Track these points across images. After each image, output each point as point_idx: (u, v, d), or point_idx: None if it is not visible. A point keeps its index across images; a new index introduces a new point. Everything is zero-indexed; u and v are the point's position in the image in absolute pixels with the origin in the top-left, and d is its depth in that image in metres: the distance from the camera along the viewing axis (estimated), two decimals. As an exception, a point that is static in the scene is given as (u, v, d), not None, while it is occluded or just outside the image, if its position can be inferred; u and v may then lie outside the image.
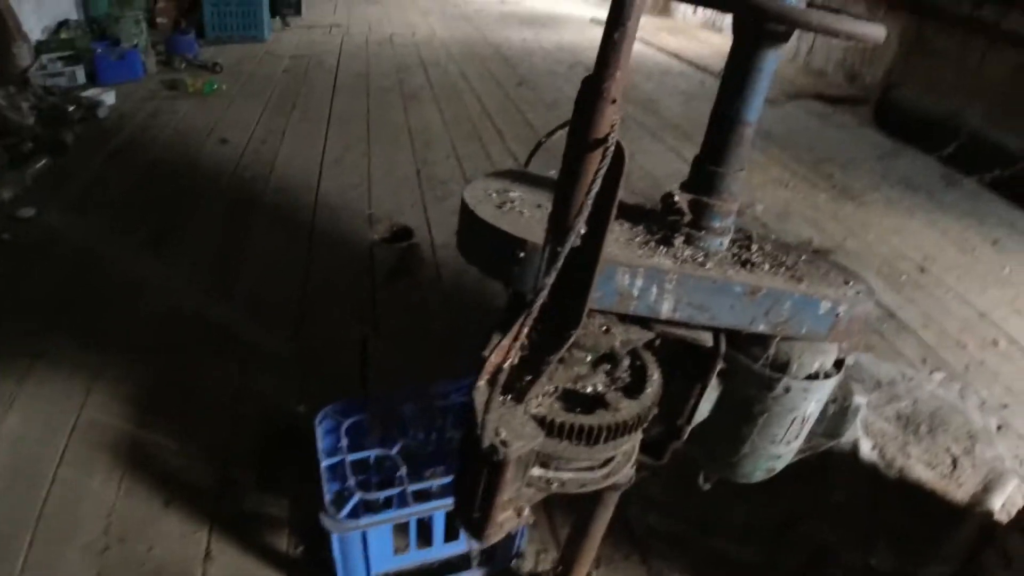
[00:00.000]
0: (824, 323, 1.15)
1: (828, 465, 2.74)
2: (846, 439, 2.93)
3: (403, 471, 1.80)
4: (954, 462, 2.90)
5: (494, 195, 1.23)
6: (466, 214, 1.18)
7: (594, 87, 0.82)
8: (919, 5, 6.60)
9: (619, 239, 1.13)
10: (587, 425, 1.01)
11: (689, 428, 1.30)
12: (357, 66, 7.12)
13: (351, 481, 1.78)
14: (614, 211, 0.86)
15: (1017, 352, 3.61)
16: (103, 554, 2.14)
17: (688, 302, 1.08)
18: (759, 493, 2.53)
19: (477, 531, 0.99)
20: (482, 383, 0.99)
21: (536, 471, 1.04)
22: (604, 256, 1.04)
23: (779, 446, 1.33)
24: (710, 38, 9.99)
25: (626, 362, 1.15)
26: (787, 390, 1.21)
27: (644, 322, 1.14)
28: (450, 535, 1.90)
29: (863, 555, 2.40)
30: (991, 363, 3.48)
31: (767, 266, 1.16)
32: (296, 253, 3.66)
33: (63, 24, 6.77)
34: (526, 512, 1.15)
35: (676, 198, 1.13)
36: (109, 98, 5.49)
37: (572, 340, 0.95)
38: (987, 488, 2.80)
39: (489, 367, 0.99)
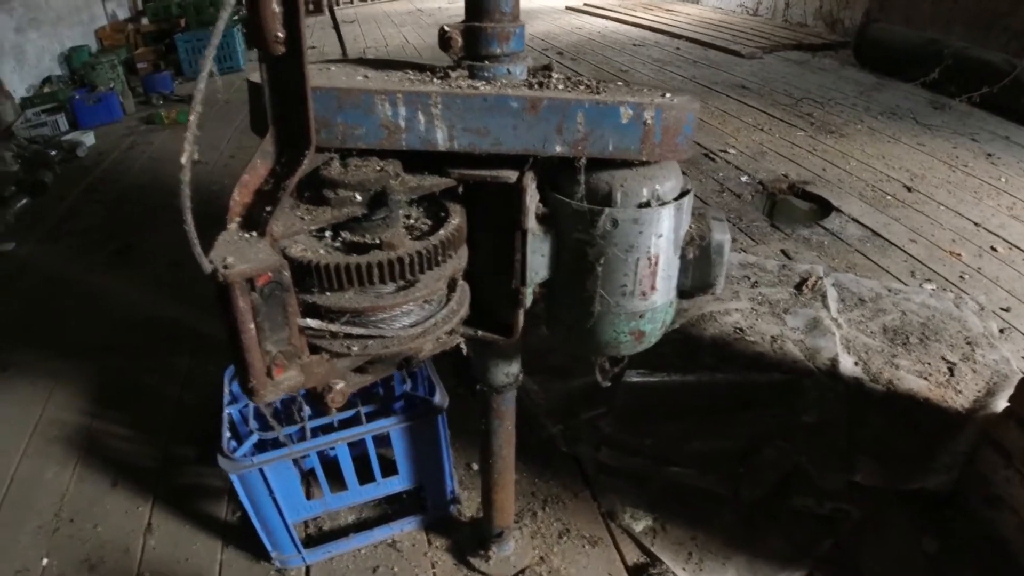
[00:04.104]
0: (632, 135, 1.04)
1: (798, 387, 2.61)
2: (823, 357, 2.80)
3: (306, 411, 1.74)
4: (951, 369, 2.74)
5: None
6: (248, 88, 1.14)
7: None
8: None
9: (391, 79, 1.06)
10: (353, 264, 0.94)
11: (528, 291, 1.21)
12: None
13: (252, 425, 1.73)
14: (300, 5, 0.81)
15: (1018, 256, 3.42)
16: (53, 534, 2.16)
17: (464, 127, 1.00)
18: (720, 420, 2.42)
19: (245, 387, 0.93)
20: (232, 225, 0.93)
21: (312, 322, 0.97)
22: (358, 87, 0.98)
23: (635, 300, 1.22)
24: (686, 9, 9.88)
25: (422, 211, 1.08)
26: (614, 224, 1.11)
27: (439, 168, 1.07)
28: (365, 477, 1.83)
29: (842, 475, 2.25)
30: (989, 269, 3.31)
31: (561, 87, 1.08)
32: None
33: (47, 80, 7.01)
34: (340, 386, 1.07)
35: (447, 29, 1.06)
36: (88, 139, 5.62)
37: (307, 164, 0.89)
38: (991, 391, 2.63)
39: (235, 207, 0.93)
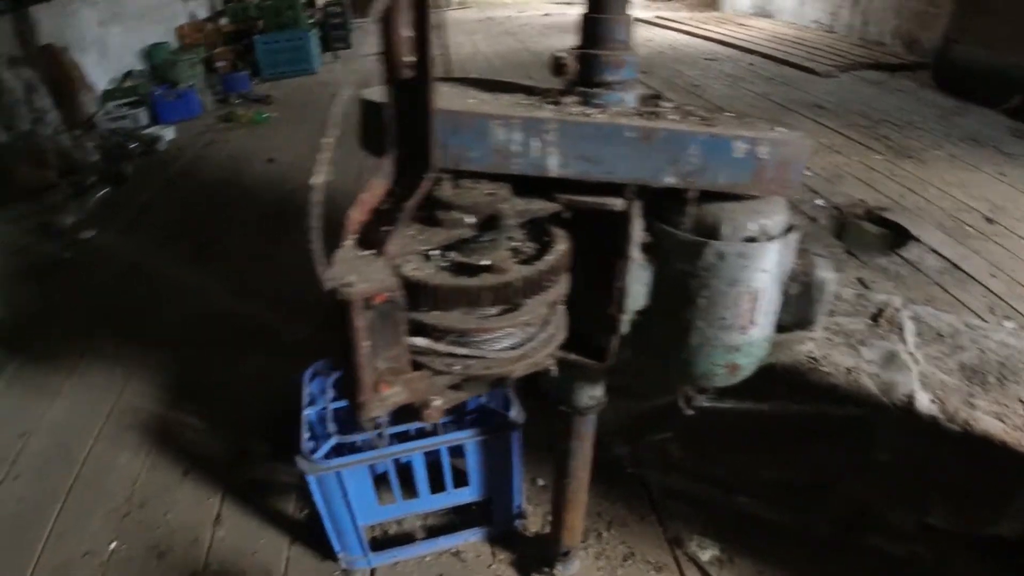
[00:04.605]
0: (745, 169, 1.03)
1: (872, 422, 2.52)
2: (900, 393, 2.70)
3: (384, 417, 1.76)
4: (1030, 412, 2.62)
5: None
6: (363, 106, 1.16)
7: None
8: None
9: (502, 102, 1.07)
10: (463, 286, 0.95)
11: (624, 317, 1.20)
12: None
13: (331, 428, 1.76)
14: (429, 31, 0.82)
15: (1114, 294, 3.25)
16: (123, 519, 2.24)
17: (577, 154, 1.00)
18: (789, 450, 2.36)
19: (354, 401, 0.94)
20: (348, 242, 0.95)
21: (419, 341, 0.98)
22: (473, 110, 0.99)
23: (733, 333, 1.21)
24: (759, 23, 9.71)
25: (525, 234, 1.08)
26: (721, 258, 1.10)
27: (545, 193, 1.08)
28: (435, 485, 1.84)
29: (915, 515, 2.17)
30: (1078, 308, 3.15)
31: (674, 116, 1.07)
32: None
33: (128, 74, 7.27)
34: (437, 403, 1.09)
35: (561, 55, 1.06)
36: (168, 133, 5.83)
37: (427, 186, 0.90)
38: (1075, 438, 2.51)
39: (351, 224, 0.95)
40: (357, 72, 7.83)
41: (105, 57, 7.08)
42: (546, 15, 12.03)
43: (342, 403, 1.86)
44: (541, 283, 1.02)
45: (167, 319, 3.27)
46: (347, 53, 9.34)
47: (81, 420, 2.70)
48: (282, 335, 3.04)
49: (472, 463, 1.81)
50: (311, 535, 2.05)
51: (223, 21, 9.42)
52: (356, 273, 0.88)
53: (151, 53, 7.77)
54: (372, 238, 0.93)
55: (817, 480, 2.26)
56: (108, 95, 6.63)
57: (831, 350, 2.92)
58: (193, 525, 2.19)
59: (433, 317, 0.98)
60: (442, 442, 1.70)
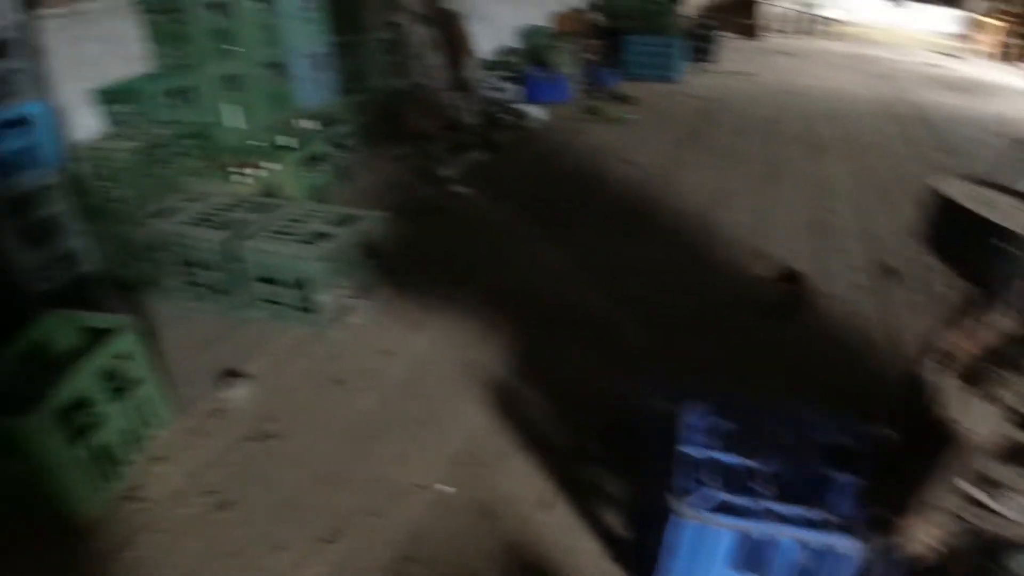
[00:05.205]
0: None
1: None
2: None
3: (765, 487, 1.70)
4: None
5: (969, 191, 1.10)
6: (942, 203, 1.07)
7: None
8: None
9: None
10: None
11: None
12: (763, 112, 7.08)
13: (712, 479, 1.74)
14: None
15: None
16: (457, 465, 2.47)
17: None
18: None
19: (888, 529, 0.88)
20: (936, 362, 0.88)
21: (977, 492, 0.88)
22: None
23: None
24: None
25: None
26: None
27: None
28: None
29: None
30: None
31: None
32: (677, 268, 3.77)
33: (507, 50, 7.93)
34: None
35: None
36: (537, 113, 6.28)
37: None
38: None
39: (946, 348, 0.87)
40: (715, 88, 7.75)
41: (489, 30, 7.77)
42: (929, 64, 10.79)
43: (728, 457, 1.82)
44: None
45: (523, 287, 3.53)
46: (709, 66, 9.25)
47: (437, 358, 3.03)
48: (627, 337, 3.12)
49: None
50: (633, 559, 2.07)
51: (598, 15, 9.87)
52: (966, 413, 0.80)
53: (529, 34, 8.40)
54: (979, 375, 0.84)
55: None
56: (488, 65, 7.31)
57: None
58: (522, 500, 2.33)
59: (1007, 472, 0.87)
60: (825, 543, 1.58)
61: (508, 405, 2.75)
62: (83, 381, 2.30)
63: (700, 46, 9.29)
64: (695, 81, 8.44)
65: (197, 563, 2.19)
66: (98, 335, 2.58)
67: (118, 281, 3.67)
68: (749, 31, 12.05)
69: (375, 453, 2.55)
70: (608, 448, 2.51)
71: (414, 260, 3.69)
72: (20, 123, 3.26)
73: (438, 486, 2.39)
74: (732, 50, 10.29)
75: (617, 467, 2.43)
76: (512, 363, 2.99)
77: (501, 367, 2.97)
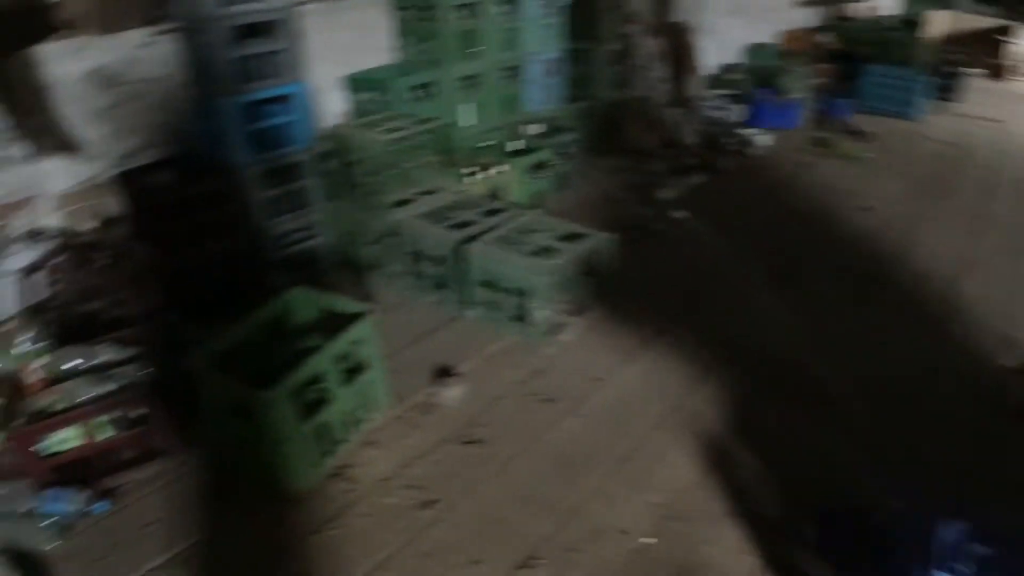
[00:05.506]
0: None
1: None
2: None
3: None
4: None
5: None
6: None
7: None
8: None
9: None
10: None
11: None
12: (1015, 170, 6.18)
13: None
14: None
15: None
16: (660, 518, 2.35)
17: None
18: None
19: None
20: None
21: None
22: None
23: None
24: None
25: None
26: None
27: None
28: None
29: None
30: None
31: None
32: (914, 344, 3.33)
33: (730, 67, 7.54)
34: None
35: None
36: (763, 140, 5.92)
37: None
38: None
39: None
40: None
41: (715, 44, 7.40)
42: None
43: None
44: None
45: (737, 335, 3.31)
46: (951, 107, 8.28)
47: (646, 394, 2.91)
48: (855, 415, 2.81)
49: None
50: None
51: (829, 37, 9.15)
52: None
53: (753, 52, 7.92)
54: None
55: None
56: (711, 82, 7.00)
57: None
58: (725, 571, 2.17)
59: None
60: None
61: (719, 462, 2.58)
62: (322, 363, 2.41)
63: (943, 83, 8.34)
64: (936, 122, 7.57)
65: (395, 555, 2.24)
66: (335, 315, 2.72)
67: (346, 259, 3.90)
68: (995, 71, 10.66)
69: (578, 483, 2.49)
70: (826, 537, 2.26)
71: (627, 284, 3.56)
72: (282, 100, 3.53)
73: (642, 539, 2.27)
74: (976, 91, 9.13)
75: (834, 561, 2.18)
76: (726, 417, 2.79)
77: (714, 419, 2.78)
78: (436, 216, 3.45)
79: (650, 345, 3.20)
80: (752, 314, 3.51)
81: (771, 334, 3.33)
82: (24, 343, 2.79)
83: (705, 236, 4.27)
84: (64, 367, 2.60)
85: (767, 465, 2.56)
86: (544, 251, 3.12)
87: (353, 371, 2.60)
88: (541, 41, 5.01)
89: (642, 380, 3.00)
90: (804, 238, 4.39)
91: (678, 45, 6.87)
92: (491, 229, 3.29)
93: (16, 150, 2.74)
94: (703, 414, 2.81)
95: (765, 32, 8.39)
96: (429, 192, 3.68)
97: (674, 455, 2.61)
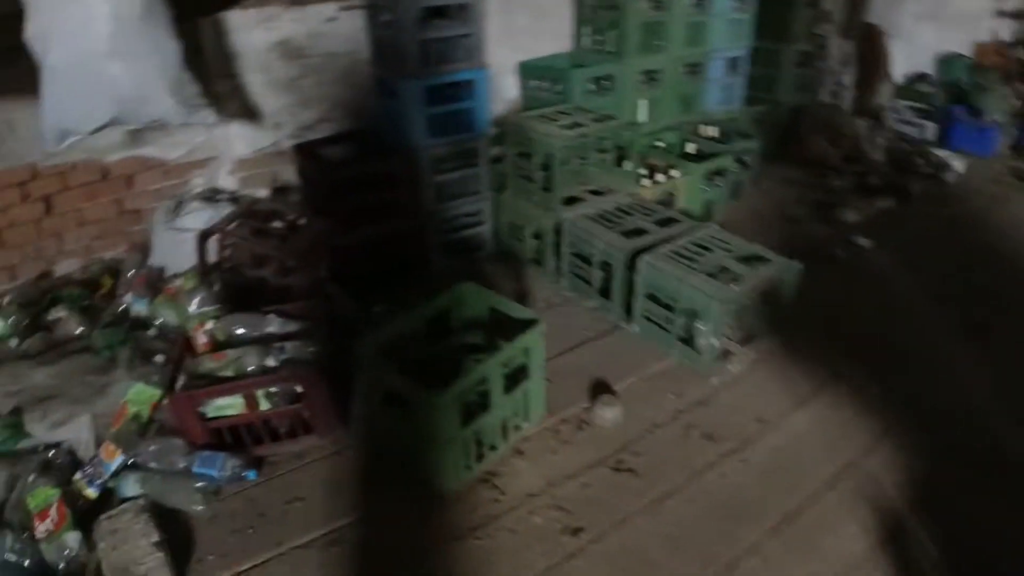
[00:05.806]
0: None
1: None
2: None
3: None
4: None
5: None
6: None
7: None
8: None
9: None
10: None
11: None
12: None
13: None
14: None
15: None
16: None
17: None
18: None
19: None
20: None
21: None
22: None
23: None
24: None
25: None
26: None
27: None
28: None
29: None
30: None
31: None
32: None
33: (920, 77, 6.79)
34: None
35: None
36: (958, 164, 5.31)
37: None
38: None
39: None
40: None
41: (907, 52, 6.70)
42: None
43: None
44: None
45: (924, 393, 2.93)
46: None
47: (817, 446, 2.64)
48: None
49: None
50: None
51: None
52: None
53: (946, 62, 7.11)
54: None
55: None
56: (900, 92, 6.37)
57: None
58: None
59: None
60: None
61: (893, 538, 2.27)
62: (491, 369, 2.34)
63: None
64: None
65: (536, 579, 2.14)
66: (501, 316, 2.64)
67: (508, 250, 3.83)
68: None
69: (736, 536, 2.28)
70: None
71: (802, 315, 3.25)
72: (465, 86, 3.47)
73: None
74: None
75: None
76: (904, 485, 2.47)
77: (891, 488, 2.46)
78: (607, 219, 3.29)
79: (824, 390, 2.91)
80: (940, 367, 3.11)
81: (961, 397, 2.92)
82: (195, 303, 2.90)
83: (891, 270, 3.85)
84: (234, 333, 2.67)
85: (952, 554, 2.23)
86: (722, 271, 2.90)
87: (513, 378, 2.51)
88: (727, 37, 4.70)
89: (813, 430, 2.72)
90: (1002, 283, 3.86)
91: (869, 49, 6.29)
92: (666, 240, 3.09)
93: (205, 112, 2.80)
94: (879, 478, 2.51)
95: (955, 41, 7.49)
96: (600, 192, 3.52)
97: (845, 523, 2.33)
